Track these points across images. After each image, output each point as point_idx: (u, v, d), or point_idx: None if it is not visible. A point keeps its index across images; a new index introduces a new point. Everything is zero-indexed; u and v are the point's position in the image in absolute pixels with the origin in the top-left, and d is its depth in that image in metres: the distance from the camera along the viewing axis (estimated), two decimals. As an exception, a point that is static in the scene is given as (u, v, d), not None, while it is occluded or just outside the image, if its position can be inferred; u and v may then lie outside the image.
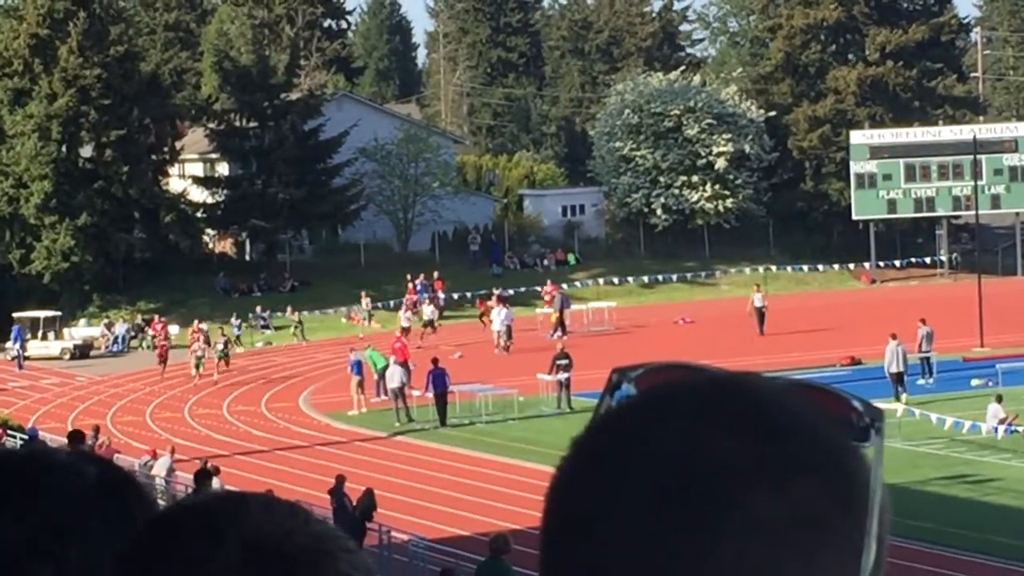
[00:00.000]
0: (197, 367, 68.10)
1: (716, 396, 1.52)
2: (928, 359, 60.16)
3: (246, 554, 1.68)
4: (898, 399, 54.78)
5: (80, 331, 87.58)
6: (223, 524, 1.70)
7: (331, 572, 1.71)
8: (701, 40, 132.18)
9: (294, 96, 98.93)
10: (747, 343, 72.94)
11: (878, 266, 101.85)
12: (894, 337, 57.31)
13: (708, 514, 1.44)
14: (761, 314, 75.42)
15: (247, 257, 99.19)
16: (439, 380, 56.07)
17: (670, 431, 1.49)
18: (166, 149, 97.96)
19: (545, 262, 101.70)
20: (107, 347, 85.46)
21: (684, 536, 1.44)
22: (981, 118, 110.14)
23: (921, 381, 57.52)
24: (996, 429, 49.30)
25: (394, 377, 57.97)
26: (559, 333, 75.72)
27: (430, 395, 55.99)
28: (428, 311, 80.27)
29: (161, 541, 1.71)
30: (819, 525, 1.46)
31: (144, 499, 2.55)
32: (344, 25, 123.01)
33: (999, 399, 51.01)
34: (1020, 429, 49.31)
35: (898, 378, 56.62)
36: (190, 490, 40.54)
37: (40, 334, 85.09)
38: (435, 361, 58.00)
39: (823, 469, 1.48)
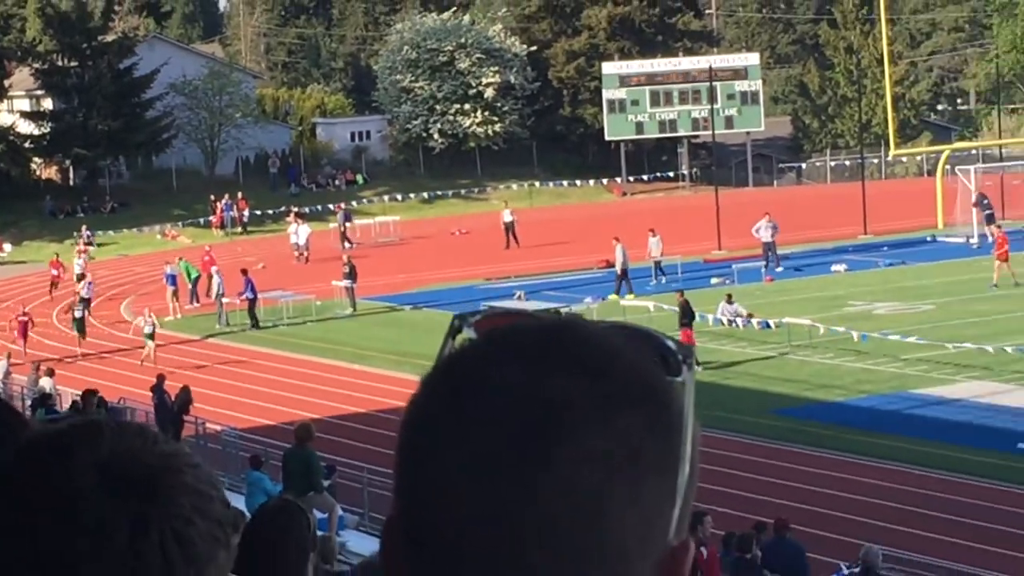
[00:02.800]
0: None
1: (548, 339, 1.54)
2: (659, 263, 60.55)
3: (100, 475, 1.69)
4: (619, 294, 55.69)
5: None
6: (79, 449, 1.71)
7: (178, 486, 1.72)
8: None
9: (110, 38, 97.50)
10: (514, 251, 73.09)
11: (628, 181, 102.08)
12: (618, 241, 58.19)
13: (543, 446, 1.47)
14: (509, 228, 75.15)
15: (71, 183, 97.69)
16: (249, 287, 55.95)
17: (507, 371, 1.51)
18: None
19: (336, 182, 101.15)
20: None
21: (522, 466, 1.47)
22: (715, 49, 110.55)
23: (653, 282, 57.64)
24: (735, 322, 49.94)
25: (215, 285, 58.00)
26: (347, 244, 75.39)
27: (242, 300, 55.80)
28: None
29: (23, 468, 1.72)
30: (641, 451, 1.50)
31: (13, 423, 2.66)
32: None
33: (729, 298, 51.57)
34: (755, 320, 49.99)
35: (623, 275, 57.52)
36: (26, 390, 40.37)
37: None
38: (244, 271, 57.66)
39: (644, 402, 1.52)
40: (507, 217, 76.40)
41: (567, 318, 1.61)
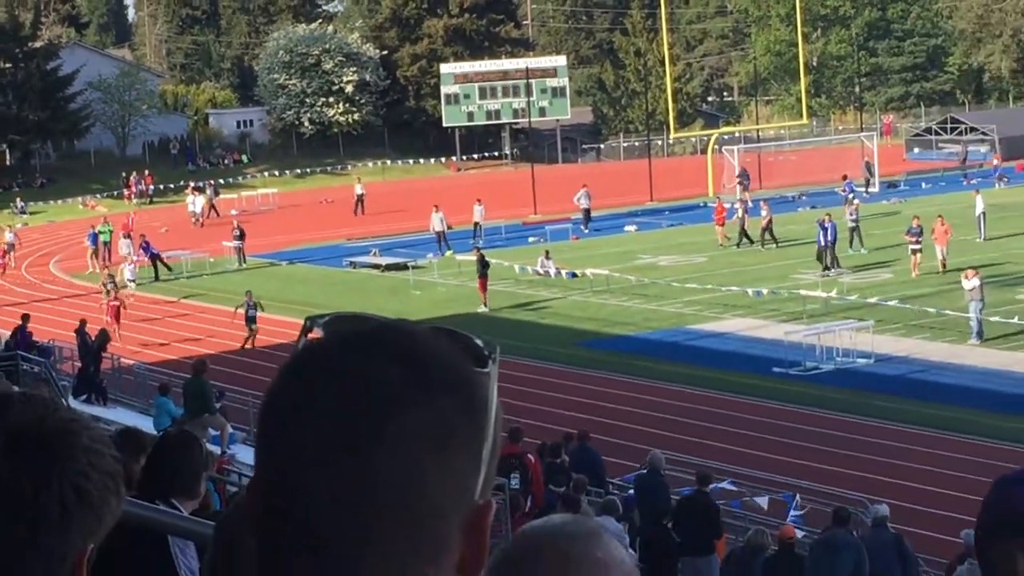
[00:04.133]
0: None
1: (381, 337, 1.56)
2: (478, 225, 60.60)
3: (9, 440, 1.70)
4: (441, 252, 55.77)
5: None
6: None
7: (76, 446, 1.72)
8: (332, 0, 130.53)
9: (38, 44, 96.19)
10: (362, 217, 73.02)
11: (462, 159, 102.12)
12: (437, 209, 58.35)
13: (376, 424, 1.50)
14: (359, 200, 75.28)
15: (7, 163, 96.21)
16: (148, 248, 55.86)
17: (348, 363, 1.53)
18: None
19: (225, 161, 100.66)
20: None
21: (359, 441, 1.49)
22: (531, 53, 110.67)
23: (471, 241, 57.41)
24: (550, 272, 50.12)
25: (122, 246, 57.55)
26: (215, 215, 75.25)
27: (147, 259, 55.48)
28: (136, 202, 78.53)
29: None
30: (453, 431, 1.53)
31: None
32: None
33: (547, 254, 51.75)
34: (564, 271, 50.19)
35: (442, 236, 57.75)
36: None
37: None
38: (143, 236, 57.58)
39: (457, 389, 1.54)
40: (358, 190, 76.50)
41: (396, 321, 1.62)
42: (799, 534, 19.84)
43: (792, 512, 23.42)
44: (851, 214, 52.72)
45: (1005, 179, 74.15)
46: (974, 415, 30.17)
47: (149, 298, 51.47)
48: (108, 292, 45.57)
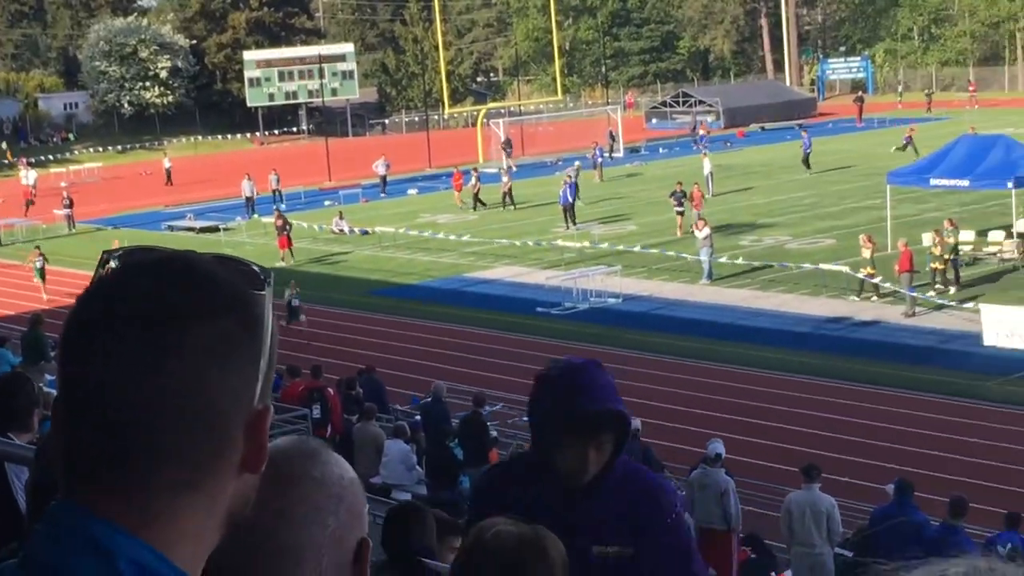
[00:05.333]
0: None
1: (167, 263, 1.56)
2: (277, 191, 59.96)
3: None
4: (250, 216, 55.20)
5: None
6: None
7: None
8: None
9: None
10: (180, 187, 71.82)
11: (265, 135, 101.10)
12: (248, 177, 57.88)
13: (162, 339, 1.49)
14: (168, 172, 74.28)
15: None
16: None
17: (140, 285, 1.53)
18: None
19: (54, 139, 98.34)
20: None
21: (150, 354, 1.49)
22: (323, 41, 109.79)
23: (273, 207, 56.62)
24: (344, 231, 49.97)
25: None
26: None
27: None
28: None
29: None
30: (234, 344, 1.53)
31: None
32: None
33: (341, 215, 51.59)
34: (356, 230, 50.03)
35: (251, 201, 57.26)
36: None
37: None
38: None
39: (236, 308, 1.54)
40: (166, 164, 75.81)
41: (184, 251, 1.61)
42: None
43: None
44: (572, 176, 53.23)
45: (729, 143, 75.73)
46: (706, 343, 30.87)
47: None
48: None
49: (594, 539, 4.09)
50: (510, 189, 54.81)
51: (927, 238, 36.04)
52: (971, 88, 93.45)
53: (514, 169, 59.81)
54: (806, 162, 58.74)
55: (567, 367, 4.26)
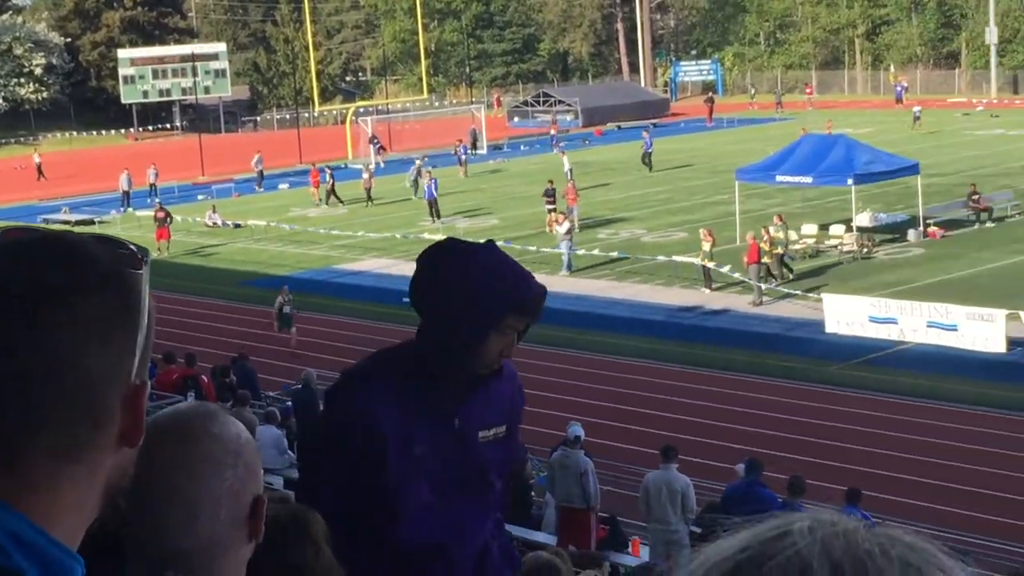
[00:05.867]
0: None
1: (46, 243, 1.53)
2: (154, 186, 59.09)
3: None
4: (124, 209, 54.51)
5: None
6: None
7: None
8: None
9: None
10: (55, 181, 70.43)
11: (139, 130, 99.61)
12: (126, 171, 57.31)
13: (41, 316, 1.47)
14: (39, 167, 72.73)
15: None
16: None
17: (16, 265, 1.50)
18: None
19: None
20: None
21: (28, 330, 1.46)
22: (195, 40, 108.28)
23: (150, 200, 55.72)
24: (217, 223, 49.51)
25: None
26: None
27: None
28: None
29: None
30: (112, 321, 1.51)
31: None
32: None
33: (214, 208, 51.12)
34: (229, 223, 49.55)
35: (127, 195, 56.66)
36: None
37: None
38: None
39: (114, 286, 1.52)
40: (36, 159, 74.47)
41: (62, 231, 1.59)
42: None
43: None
44: (415, 174, 53.15)
45: (587, 141, 76.22)
46: (566, 331, 31.01)
47: None
48: None
49: (479, 425, 4.01)
50: (371, 185, 54.70)
51: (772, 232, 36.59)
52: (808, 91, 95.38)
53: (381, 165, 59.56)
54: (646, 161, 59.34)
55: (491, 249, 3.97)
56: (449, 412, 3.94)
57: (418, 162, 56.67)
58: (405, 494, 3.90)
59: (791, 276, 35.04)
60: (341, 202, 54.38)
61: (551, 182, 46.39)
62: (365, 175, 55.44)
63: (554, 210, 43.93)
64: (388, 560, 3.95)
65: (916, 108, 73.38)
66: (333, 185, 55.00)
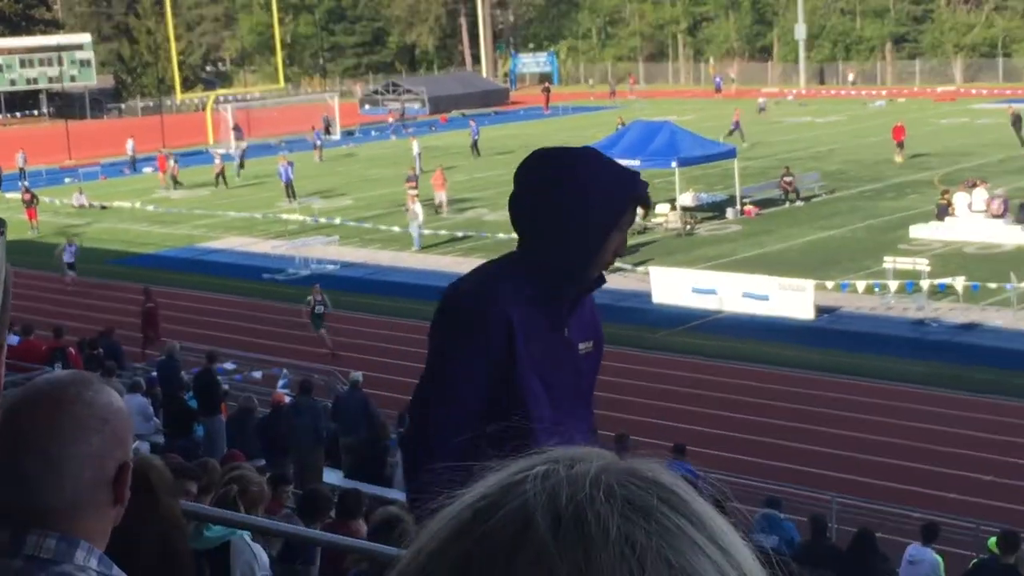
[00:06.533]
0: None
1: None
2: (23, 170, 57.51)
3: None
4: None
5: None
6: None
7: None
8: None
9: None
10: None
11: (7, 116, 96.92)
12: None
13: None
14: None
15: None
16: None
17: None
18: None
19: None
20: None
21: None
22: (61, 31, 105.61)
23: (20, 183, 54.24)
24: (84, 205, 48.47)
25: None
26: None
27: None
28: None
29: None
30: None
31: None
32: None
33: (81, 190, 50.04)
34: (96, 204, 48.52)
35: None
36: None
37: None
38: None
39: None
40: None
41: None
42: (287, 399, 19.90)
43: (281, 383, 23.50)
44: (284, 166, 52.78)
45: (433, 128, 76.05)
46: (416, 303, 31.00)
47: None
48: None
49: (580, 338, 3.70)
50: (223, 170, 53.99)
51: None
52: (632, 81, 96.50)
53: (232, 153, 58.77)
54: (475, 148, 59.42)
55: (592, 150, 3.61)
56: (560, 322, 3.62)
57: (282, 154, 55.96)
58: (534, 394, 3.54)
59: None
60: (180, 185, 53.71)
61: (412, 168, 46.37)
62: (216, 160, 54.79)
63: (416, 195, 43.36)
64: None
65: (761, 100, 74.11)
66: (176, 170, 54.38)
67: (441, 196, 44.25)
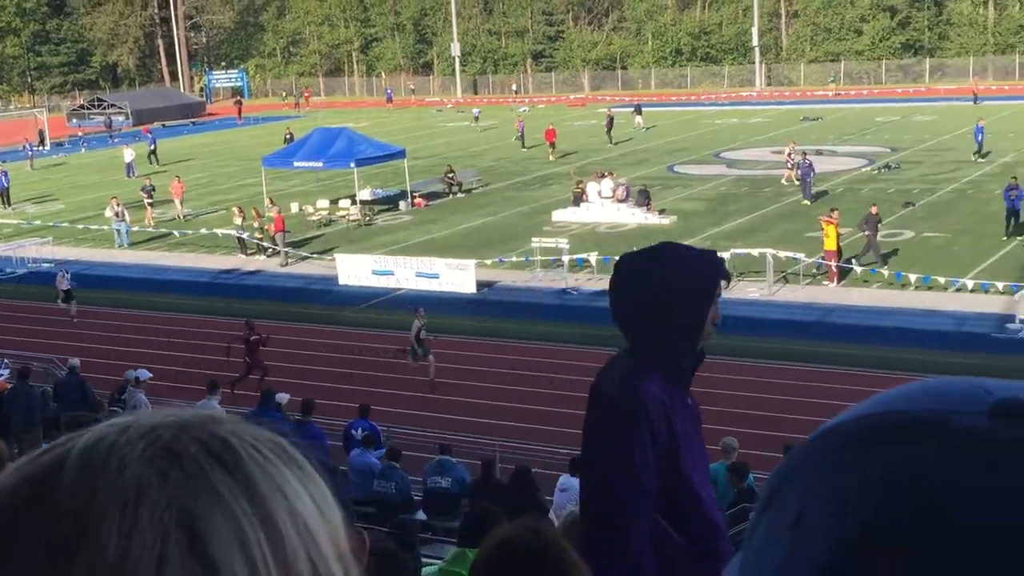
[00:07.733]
0: None
1: None
2: None
3: None
4: None
5: None
6: None
7: None
8: None
9: None
10: None
11: None
12: None
13: None
14: None
15: None
16: None
17: None
18: None
19: None
20: None
21: None
22: None
23: None
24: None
25: None
26: None
27: None
28: None
29: None
30: None
31: None
32: None
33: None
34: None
35: None
36: None
37: None
38: None
39: None
40: None
41: None
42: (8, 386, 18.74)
43: (2, 373, 22.13)
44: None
45: (137, 138, 73.08)
46: (126, 294, 29.81)
47: None
48: None
49: (693, 403, 3.74)
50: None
51: (294, 207, 36.54)
52: (306, 94, 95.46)
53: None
54: (152, 157, 56.53)
55: (670, 245, 3.64)
56: (687, 394, 3.63)
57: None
58: (698, 479, 3.57)
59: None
60: None
61: (148, 178, 44.15)
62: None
63: (152, 204, 40.63)
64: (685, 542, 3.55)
65: (475, 110, 72.81)
66: None
67: (178, 204, 41.33)
